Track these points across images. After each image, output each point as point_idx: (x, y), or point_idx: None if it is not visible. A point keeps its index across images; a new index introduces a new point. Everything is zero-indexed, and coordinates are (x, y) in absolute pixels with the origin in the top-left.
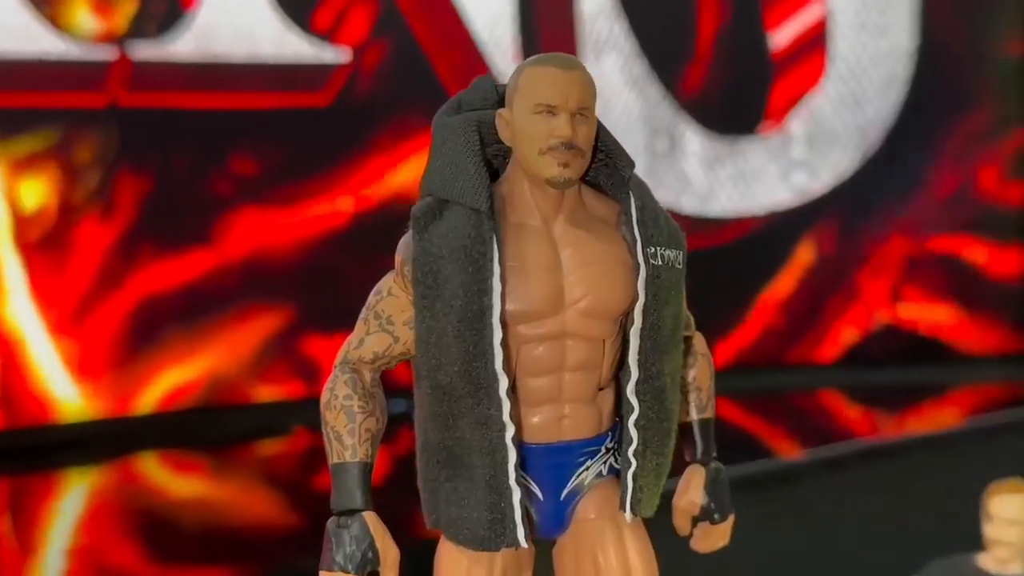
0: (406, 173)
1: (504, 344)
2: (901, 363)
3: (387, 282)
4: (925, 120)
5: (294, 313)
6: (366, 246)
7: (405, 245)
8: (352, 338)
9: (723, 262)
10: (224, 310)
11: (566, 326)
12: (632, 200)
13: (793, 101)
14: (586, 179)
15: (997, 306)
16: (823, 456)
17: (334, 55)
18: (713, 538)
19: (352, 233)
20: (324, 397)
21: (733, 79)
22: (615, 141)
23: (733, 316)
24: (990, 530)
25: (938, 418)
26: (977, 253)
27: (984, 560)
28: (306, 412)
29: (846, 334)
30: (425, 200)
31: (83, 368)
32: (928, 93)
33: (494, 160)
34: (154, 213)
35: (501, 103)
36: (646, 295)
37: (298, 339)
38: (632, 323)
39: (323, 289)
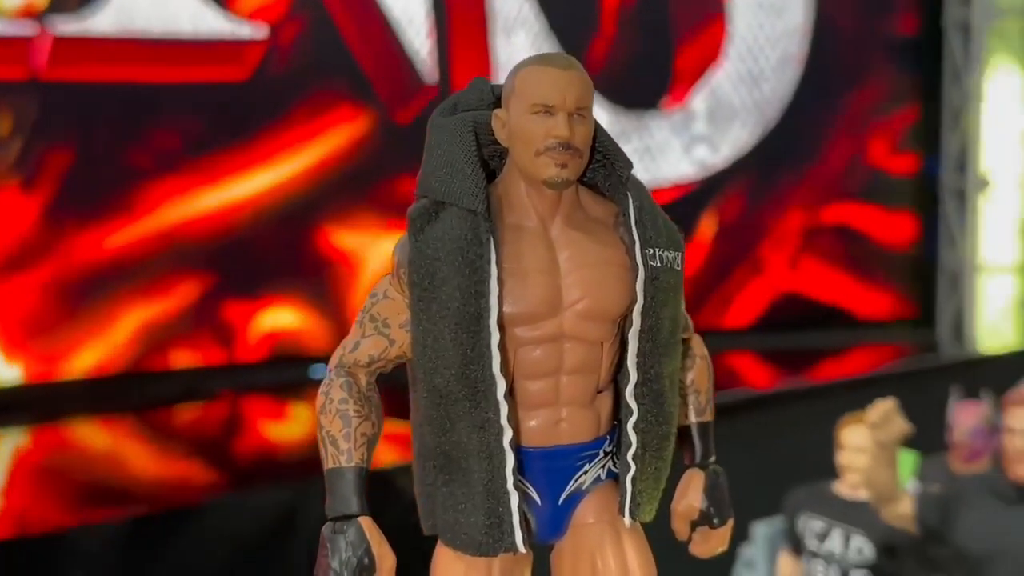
0: (322, 146)
1: (501, 347)
2: (800, 328)
3: (383, 284)
4: (819, 96)
5: (214, 281)
6: (283, 216)
7: (401, 247)
8: (347, 341)
9: None
10: (146, 278)
11: (564, 328)
12: (630, 201)
13: (694, 78)
14: (583, 180)
15: (888, 273)
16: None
17: (251, 31)
18: (712, 543)
19: (270, 204)
20: (319, 401)
21: (637, 56)
22: (612, 141)
23: None
24: (841, 458)
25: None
26: (869, 223)
27: (838, 486)
28: (227, 376)
29: (749, 302)
30: (421, 201)
31: (7, 336)
32: (822, 70)
33: (491, 161)
34: (76, 184)
35: (498, 103)
36: (644, 297)
37: (218, 306)
38: (630, 325)
39: (242, 258)
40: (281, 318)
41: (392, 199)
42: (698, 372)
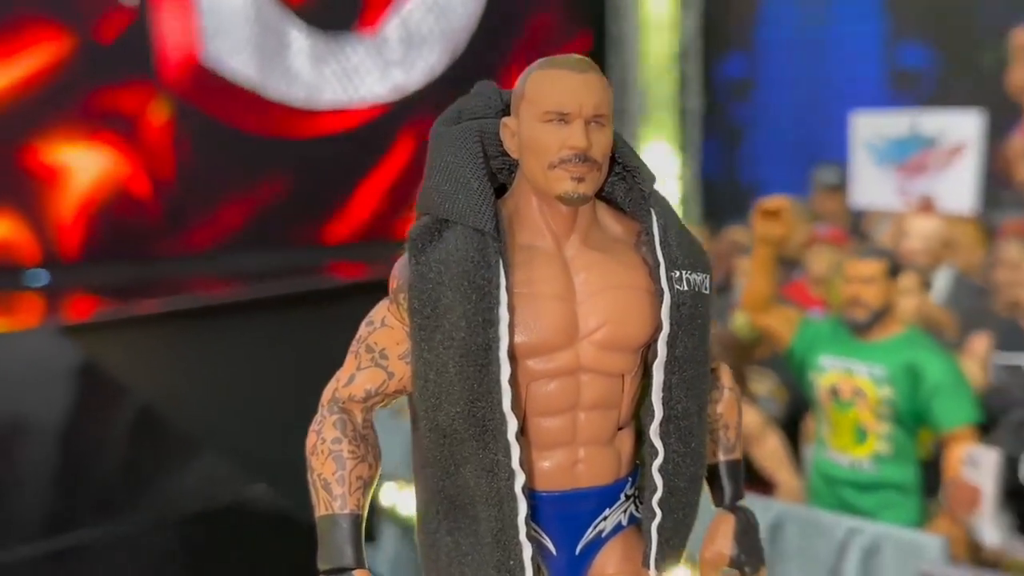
0: (25, 64)
1: (512, 381)
2: None
3: (380, 311)
4: (501, 24)
5: None
6: None
7: (400, 270)
8: (341, 373)
9: (330, 150)
10: None
11: (581, 360)
12: (654, 218)
13: (386, 5)
14: (602, 195)
15: None
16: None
17: None
18: None
19: None
20: (310, 440)
21: None
22: (634, 152)
23: (339, 198)
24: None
25: None
26: None
27: None
28: None
29: None
30: (422, 220)
31: None
32: (503, 2)
33: (499, 174)
34: None
35: (506, 111)
36: (670, 324)
37: None
38: (655, 356)
39: None
40: None
41: (95, 112)
42: (727, 405)
